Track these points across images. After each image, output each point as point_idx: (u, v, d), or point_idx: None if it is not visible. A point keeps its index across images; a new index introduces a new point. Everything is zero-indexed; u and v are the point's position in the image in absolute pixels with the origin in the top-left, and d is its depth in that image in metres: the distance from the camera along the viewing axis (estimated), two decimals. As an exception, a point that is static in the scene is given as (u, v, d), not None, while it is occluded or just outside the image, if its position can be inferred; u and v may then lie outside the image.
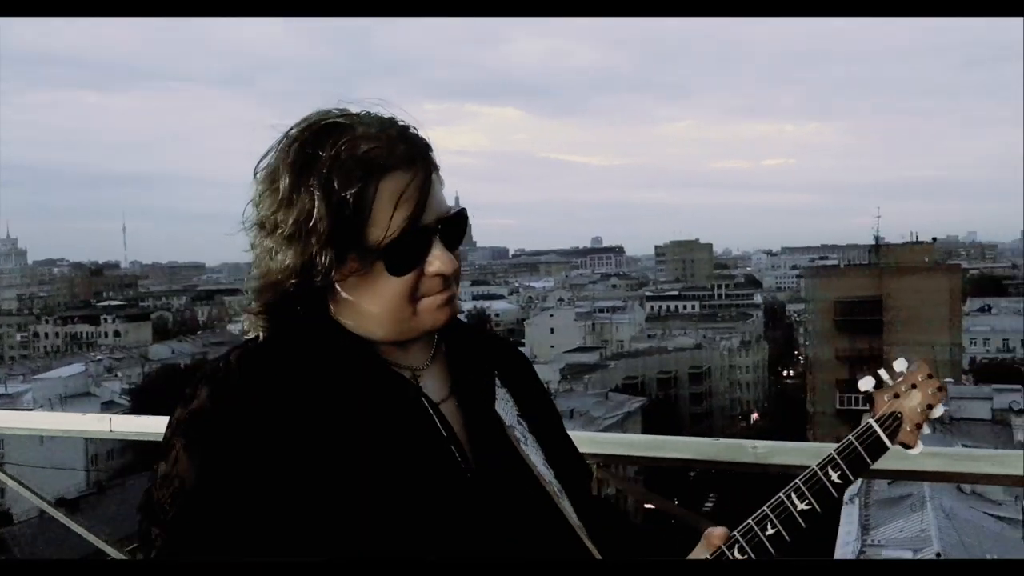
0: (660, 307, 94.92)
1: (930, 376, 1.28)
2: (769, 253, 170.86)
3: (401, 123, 1.10)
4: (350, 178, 1.03)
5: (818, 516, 1.20)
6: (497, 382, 1.24)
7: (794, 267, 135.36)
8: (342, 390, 1.08)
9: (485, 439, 1.16)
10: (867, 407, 1.28)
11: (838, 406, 55.10)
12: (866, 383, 1.28)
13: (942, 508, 20.85)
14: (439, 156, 1.13)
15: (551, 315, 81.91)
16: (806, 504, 1.20)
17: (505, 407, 1.22)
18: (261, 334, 1.13)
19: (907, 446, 1.26)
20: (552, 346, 71.71)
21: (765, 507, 1.21)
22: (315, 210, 1.03)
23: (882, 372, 1.29)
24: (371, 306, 1.10)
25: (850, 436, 1.24)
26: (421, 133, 1.12)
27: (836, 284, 61.96)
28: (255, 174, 1.10)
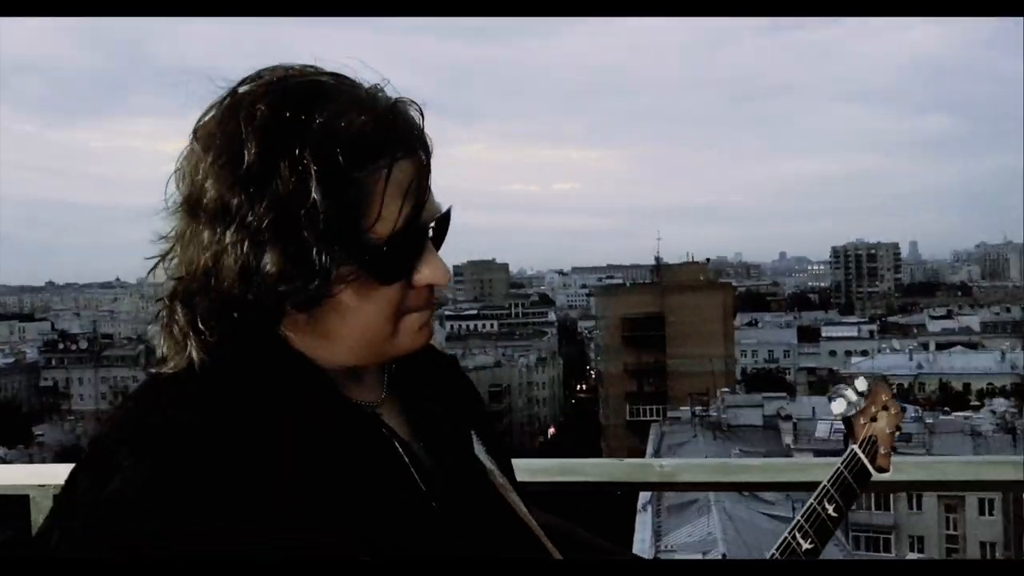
0: (460, 326, 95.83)
1: (891, 396, 1.30)
2: (560, 273, 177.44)
3: (397, 96, 0.88)
4: (359, 156, 0.81)
5: (819, 554, 1.19)
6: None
7: (584, 286, 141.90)
8: (304, 438, 0.83)
9: (466, 489, 0.96)
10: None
11: (628, 417, 58.20)
12: (839, 406, 1.29)
13: (725, 511, 22.23)
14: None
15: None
16: (810, 543, 1.19)
17: (479, 449, 1.03)
18: (196, 359, 0.84)
19: (883, 470, 1.27)
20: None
21: (775, 549, 1.20)
22: (311, 192, 0.78)
23: (847, 392, 1.30)
24: (345, 324, 0.86)
25: (839, 465, 1.24)
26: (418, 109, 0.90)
27: (622, 302, 65.57)
28: (194, 135, 0.85)
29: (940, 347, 70.28)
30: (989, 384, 60.46)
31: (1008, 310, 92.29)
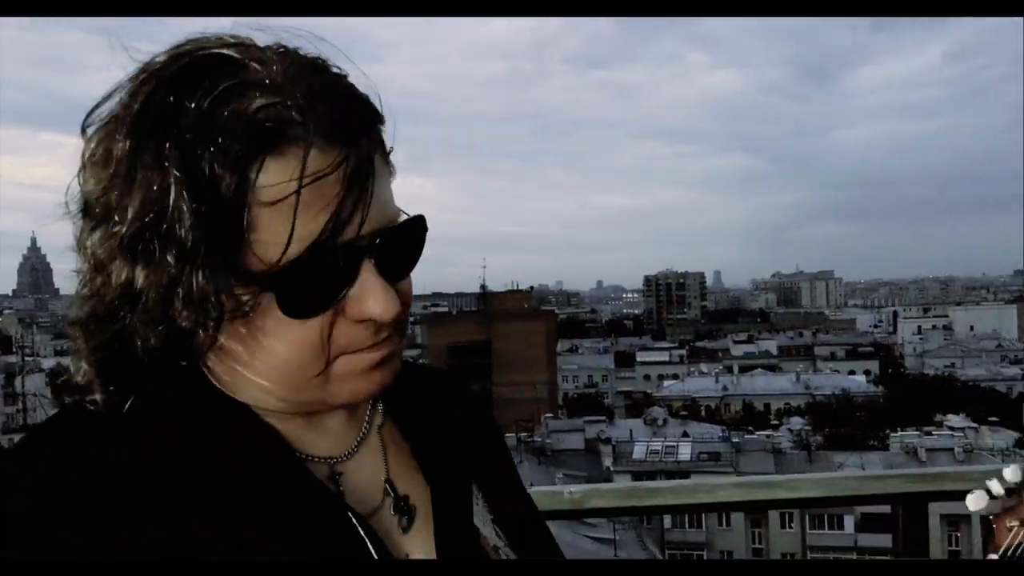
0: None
1: None
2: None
3: (335, 69, 0.68)
4: (227, 152, 0.61)
5: None
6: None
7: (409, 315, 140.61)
8: (230, 501, 0.66)
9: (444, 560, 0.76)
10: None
11: (453, 447, 57.58)
12: (978, 501, 1.02)
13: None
14: None
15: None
16: None
17: (480, 512, 0.82)
18: (98, 397, 0.68)
19: None
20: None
21: None
22: (171, 198, 0.61)
23: (993, 484, 1.03)
24: (256, 359, 0.68)
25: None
26: (372, 93, 0.70)
27: (448, 330, 65.53)
28: (83, 129, 0.68)
29: (743, 370, 75.30)
30: (786, 404, 65.29)
31: (801, 334, 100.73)
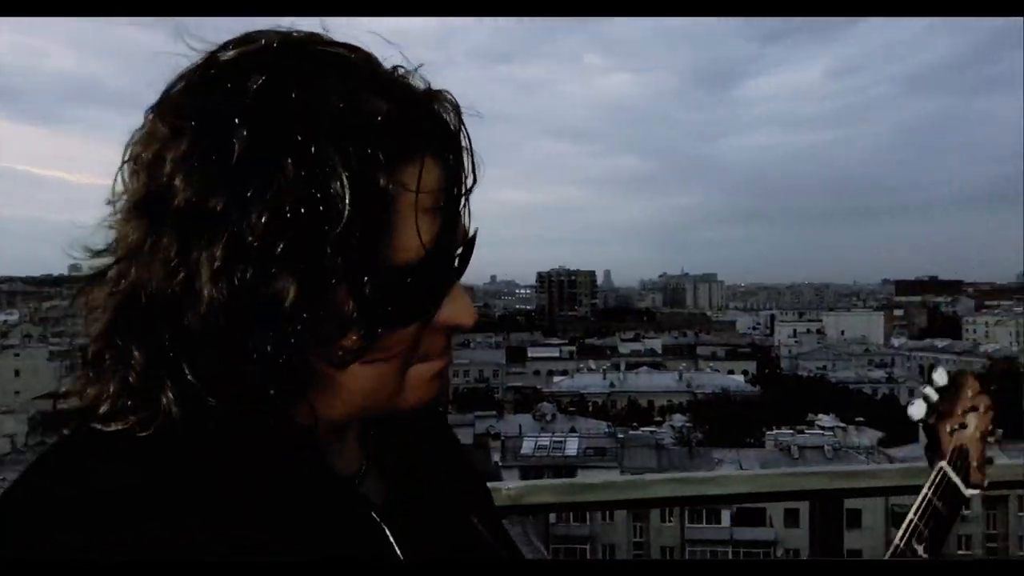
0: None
1: (980, 392, 1.09)
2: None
3: (422, 82, 0.65)
4: (384, 154, 0.58)
5: None
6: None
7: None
8: (285, 526, 0.61)
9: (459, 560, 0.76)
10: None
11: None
12: (918, 410, 1.08)
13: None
14: None
15: (16, 355, 70.22)
16: None
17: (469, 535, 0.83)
18: (173, 413, 0.59)
19: (978, 487, 1.06)
20: (17, 392, 61.20)
21: None
22: (335, 198, 0.57)
23: (927, 391, 1.08)
24: (348, 376, 0.64)
25: (925, 491, 1.01)
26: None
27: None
28: (156, 113, 0.61)
29: (629, 367, 77.07)
30: (669, 401, 67.19)
31: (684, 334, 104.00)
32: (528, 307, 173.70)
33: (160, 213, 0.57)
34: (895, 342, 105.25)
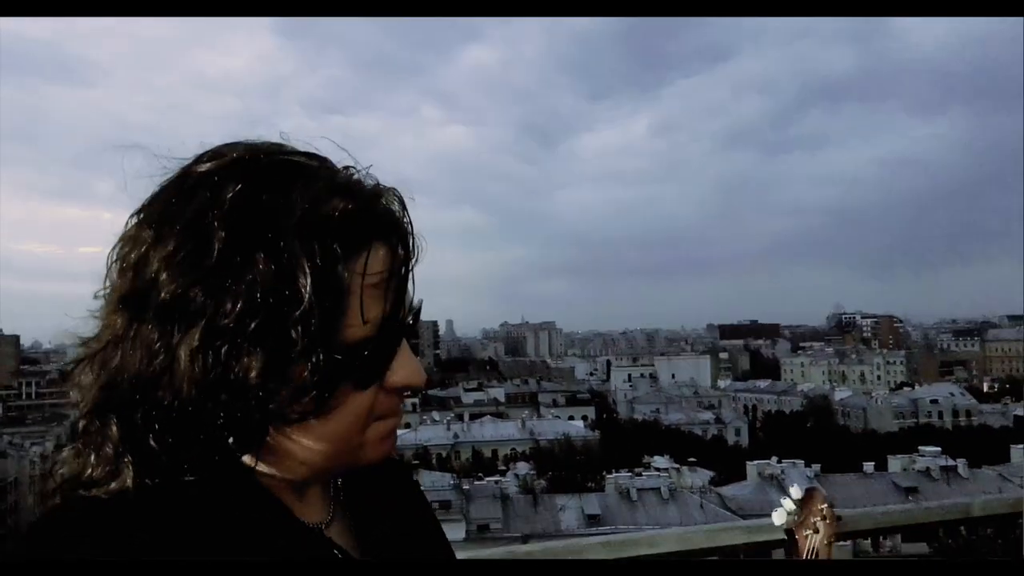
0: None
1: (826, 504, 1.31)
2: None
3: (370, 180, 0.77)
4: (341, 246, 0.70)
5: None
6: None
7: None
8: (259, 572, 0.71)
9: None
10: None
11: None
12: (779, 517, 1.30)
13: None
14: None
15: None
16: None
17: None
18: (130, 483, 0.70)
19: None
20: None
21: None
22: (299, 287, 0.67)
23: (786, 502, 1.32)
24: (311, 436, 0.74)
25: None
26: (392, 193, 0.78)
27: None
28: (139, 218, 0.72)
29: (473, 417, 76.89)
30: (513, 449, 67.44)
31: (526, 382, 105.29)
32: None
33: (144, 305, 0.68)
34: (721, 384, 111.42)
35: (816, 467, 48.12)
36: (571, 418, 79.45)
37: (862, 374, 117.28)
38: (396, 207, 0.76)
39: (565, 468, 55.45)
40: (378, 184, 0.76)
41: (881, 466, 49.05)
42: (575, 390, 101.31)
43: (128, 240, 0.71)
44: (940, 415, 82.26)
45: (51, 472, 0.74)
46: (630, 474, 47.28)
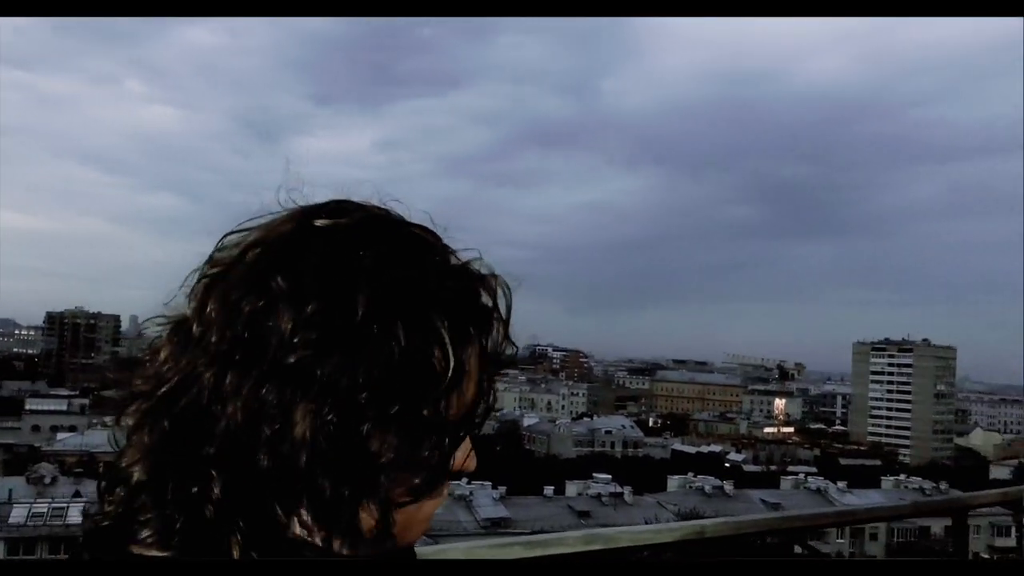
0: None
1: None
2: None
3: (484, 266, 0.74)
4: (474, 327, 0.69)
5: None
6: None
7: None
8: None
9: None
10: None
11: None
12: None
13: None
14: None
15: None
16: None
17: None
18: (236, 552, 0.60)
19: None
20: None
21: None
22: (436, 364, 0.64)
23: None
24: (415, 516, 0.70)
25: None
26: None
27: None
28: (264, 268, 0.66)
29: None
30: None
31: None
32: (30, 351, 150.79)
33: (257, 359, 0.60)
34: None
35: (502, 489, 50.07)
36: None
37: (549, 403, 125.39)
38: (503, 299, 0.72)
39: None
40: (492, 272, 0.73)
41: (560, 490, 52.47)
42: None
43: (246, 284, 0.64)
44: (613, 444, 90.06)
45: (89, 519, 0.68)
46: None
